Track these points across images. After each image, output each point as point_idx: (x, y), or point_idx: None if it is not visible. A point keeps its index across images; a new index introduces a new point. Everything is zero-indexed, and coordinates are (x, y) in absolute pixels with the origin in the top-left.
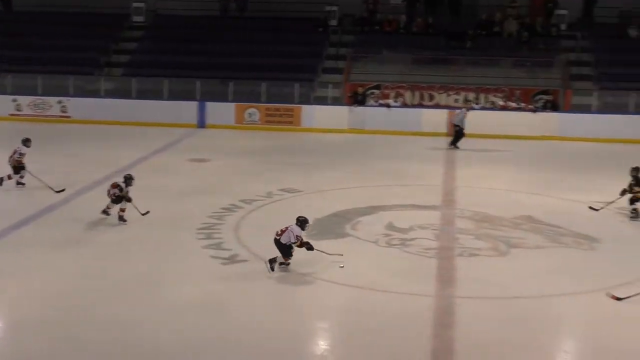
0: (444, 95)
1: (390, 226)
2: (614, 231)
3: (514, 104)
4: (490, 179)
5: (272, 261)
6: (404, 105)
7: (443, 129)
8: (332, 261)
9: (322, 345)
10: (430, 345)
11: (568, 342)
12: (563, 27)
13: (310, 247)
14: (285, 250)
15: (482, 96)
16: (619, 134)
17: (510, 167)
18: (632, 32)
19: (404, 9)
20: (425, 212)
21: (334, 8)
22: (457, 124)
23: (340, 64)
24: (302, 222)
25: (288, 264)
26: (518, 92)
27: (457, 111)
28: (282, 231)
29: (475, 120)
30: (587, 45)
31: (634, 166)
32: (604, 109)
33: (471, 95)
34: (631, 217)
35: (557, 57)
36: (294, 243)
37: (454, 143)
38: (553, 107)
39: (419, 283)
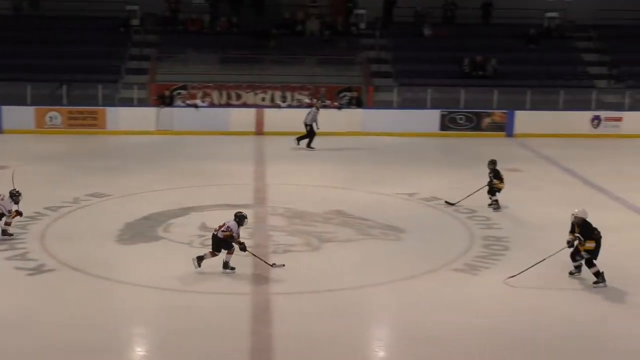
0: (252, 94)
1: (204, 227)
2: (418, 221)
3: (319, 102)
4: (300, 176)
5: (225, 266)
6: (212, 105)
7: (252, 128)
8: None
9: (138, 351)
10: (248, 343)
11: (381, 331)
12: (362, 26)
13: (243, 248)
14: (225, 244)
15: (288, 94)
16: (418, 127)
17: (319, 163)
18: (427, 31)
19: (207, 9)
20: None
21: (135, 7)
22: (308, 123)
23: (145, 64)
24: (240, 218)
25: (233, 268)
26: (323, 89)
27: (308, 110)
28: (220, 227)
29: (282, 118)
30: (386, 44)
31: (491, 159)
32: (404, 105)
33: (277, 94)
34: (494, 209)
35: (359, 55)
36: (224, 232)
37: (308, 144)
38: (358, 103)
39: (234, 282)
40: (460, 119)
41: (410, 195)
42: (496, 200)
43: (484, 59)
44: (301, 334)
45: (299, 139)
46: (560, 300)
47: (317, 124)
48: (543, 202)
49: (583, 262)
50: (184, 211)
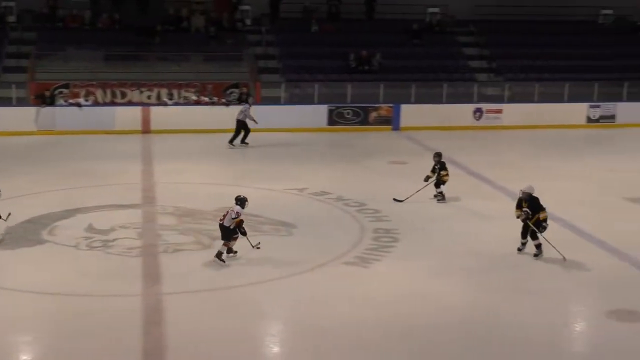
0: (137, 92)
1: (91, 228)
2: (309, 216)
3: (206, 99)
4: (189, 174)
5: (218, 255)
6: (96, 103)
7: (138, 126)
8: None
9: (24, 359)
10: (140, 345)
11: (275, 326)
12: (248, 22)
13: (244, 232)
14: (228, 233)
15: (175, 92)
16: (306, 123)
17: (208, 160)
18: (314, 27)
19: (88, 4)
20: (126, 211)
21: (11, 4)
22: (241, 119)
23: (23, 62)
24: (241, 201)
25: (235, 252)
26: (210, 86)
27: (241, 107)
28: (225, 215)
29: (169, 116)
30: (272, 40)
31: (436, 152)
32: (292, 101)
33: (164, 92)
34: (438, 200)
35: (245, 51)
36: (234, 219)
37: (243, 140)
38: (247, 100)
39: (124, 283)
40: (348, 113)
41: (300, 190)
42: (441, 192)
43: (369, 54)
44: (195, 333)
45: (231, 141)
46: (451, 289)
47: (254, 120)
48: (430, 194)
49: (539, 237)
50: (69, 213)
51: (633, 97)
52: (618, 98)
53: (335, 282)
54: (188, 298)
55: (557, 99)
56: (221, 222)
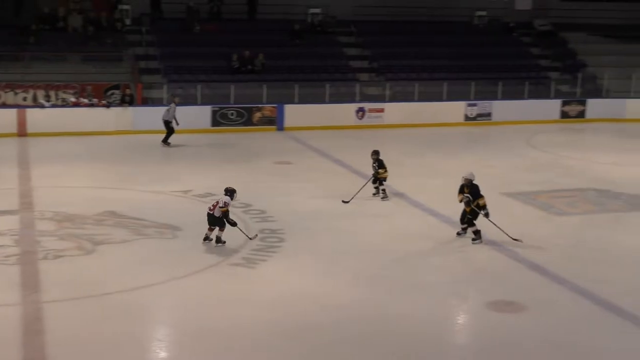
0: (11, 94)
1: None
2: (194, 218)
3: (86, 100)
4: (69, 177)
5: (218, 240)
6: None
7: (13, 129)
8: None
9: None
10: (21, 355)
11: (162, 330)
12: (128, 21)
13: (232, 223)
14: (219, 222)
15: (52, 93)
16: (189, 124)
17: (89, 163)
18: (196, 27)
19: None
20: (2, 217)
21: None
22: (167, 119)
23: None
24: (230, 192)
25: (224, 242)
26: (89, 87)
27: (167, 107)
28: (214, 205)
29: (46, 118)
30: (153, 40)
31: (374, 150)
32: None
33: (41, 93)
34: (382, 198)
35: (125, 51)
36: (221, 208)
37: (164, 140)
38: (130, 101)
39: (1, 292)
40: (232, 114)
41: (185, 192)
42: (383, 189)
43: (252, 55)
44: (77, 341)
45: (165, 141)
46: (339, 288)
47: (176, 121)
48: (315, 193)
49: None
50: None
51: (507, 95)
52: (493, 96)
53: (223, 283)
54: (70, 305)
55: (436, 97)
56: (211, 212)
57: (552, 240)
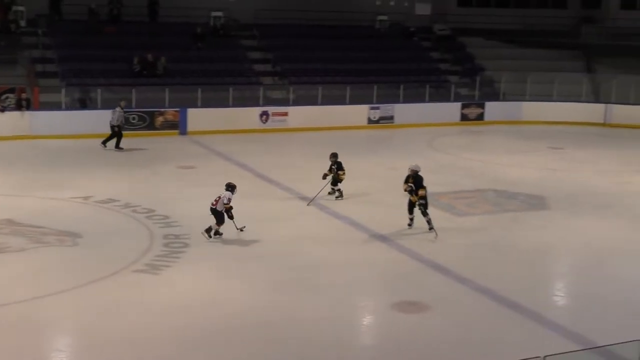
0: None
1: None
2: (95, 225)
3: None
4: None
5: (208, 230)
6: None
7: None
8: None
9: None
10: None
11: (62, 341)
12: (23, 23)
13: (231, 217)
14: (220, 216)
15: None
16: (88, 129)
17: None
18: (100, 29)
19: None
20: None
21: None
22: (114, 124)
23: None
24: (232, 187)
25: (221, 233)
26: None
27: (113, 110)
28: (217, 200)
29: None
30: (50, 42)
31: (332, 152)
32: (73, 106)
33: None
34: (336, 198)
35: (20, 54)
36: (226, 204)
37: (117, 145)
38: (27, 105)
39: None
40: (134, 118)
41: (85, 198)
42: (339, 190)
43: (154, 58)
44: None
45: (105, 142)
46: (243, 292)
47: (122, 125)
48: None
49: (427, 215)
50: None
51: (409, 99)
52: (396, 100)
53: (126, 291)
54: None
55: (340, 101)
56: (214, 207)
57: (453, 240)
